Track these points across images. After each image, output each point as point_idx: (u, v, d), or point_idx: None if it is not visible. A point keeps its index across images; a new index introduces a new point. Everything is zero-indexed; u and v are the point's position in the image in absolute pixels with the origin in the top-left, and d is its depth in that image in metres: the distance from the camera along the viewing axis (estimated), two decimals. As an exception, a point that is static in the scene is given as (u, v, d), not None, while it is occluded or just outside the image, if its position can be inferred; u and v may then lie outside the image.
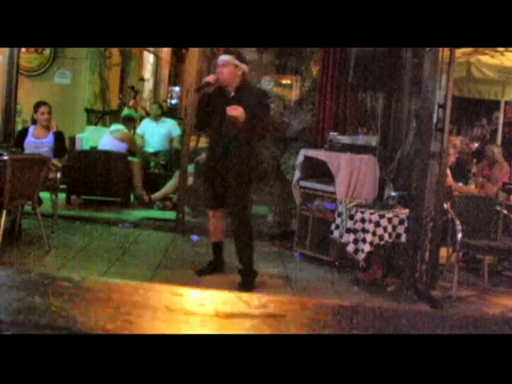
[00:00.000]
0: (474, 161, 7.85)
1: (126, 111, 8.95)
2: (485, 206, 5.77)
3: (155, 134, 8.81)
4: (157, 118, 8.93)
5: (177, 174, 7.67)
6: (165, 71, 16.07)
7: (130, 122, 8.47)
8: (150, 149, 8.72)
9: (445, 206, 5.35)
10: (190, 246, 6.41)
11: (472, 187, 6.76)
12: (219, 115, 4.96)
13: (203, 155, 7.50)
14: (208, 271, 5.32)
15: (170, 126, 8.91)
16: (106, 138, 8.09)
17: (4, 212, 5.18)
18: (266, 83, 7.92)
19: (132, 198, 8.06)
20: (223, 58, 5.07)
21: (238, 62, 5.02)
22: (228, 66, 5.01)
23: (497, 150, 7.70)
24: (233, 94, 5.05)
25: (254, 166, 5.08)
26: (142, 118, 10.46)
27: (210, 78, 5.05)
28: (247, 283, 5.06)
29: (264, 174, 5.41)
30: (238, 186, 5.03)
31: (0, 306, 3.82)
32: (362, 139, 6.35)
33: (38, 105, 6.68)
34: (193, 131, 7.22)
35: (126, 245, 6.14)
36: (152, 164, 8.53)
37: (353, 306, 4.86)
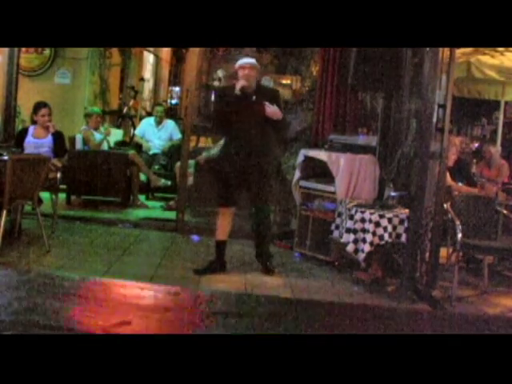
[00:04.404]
0: (474, 161, 7.85)
1: (89, 108, 8.77)
2: (485, 206, 5.77)
3: (155, 138, 8.81)
4: (160, 120, 8.91)
5: (177, 165, 7.60)
6: (165, 71, 16.04)
7: (92, 118, 8.23)
8: (150, 151, 8.73)
9: (445, 206, 5.35)
10: (189, 246, 6.41)
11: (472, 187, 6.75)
12: (242, 116, 5.14)
13: (203, 155, 7.51)
14: (208, 271, 5.34)
15: (170, 130, 8.89)
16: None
17: (4, 212, 5.18)
18: (266, 83, 7.91)
19: (131, 198, 8.06)
20: (250, 61, 5.25)
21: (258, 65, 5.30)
22: (255, 69, 5.23)
23: (494, 150, 7.70)
24: (253, 95, 5.21)
25: (276, 163, 5.34)
26: (141, 118, 10.45)
27: (243, 83, 5.14)
28: (270, 266, 5.44)
29: (277, 171, 5.72)
30: (264, 183, 5.23)
31: (0, 306, 3.82)
32: (361, 139, 6.35)
33: (38, 106, 6.61)
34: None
35: (125, 245, 6.13)
36: (155, 165, 8.54)
37: (353, 305, 4.87)
